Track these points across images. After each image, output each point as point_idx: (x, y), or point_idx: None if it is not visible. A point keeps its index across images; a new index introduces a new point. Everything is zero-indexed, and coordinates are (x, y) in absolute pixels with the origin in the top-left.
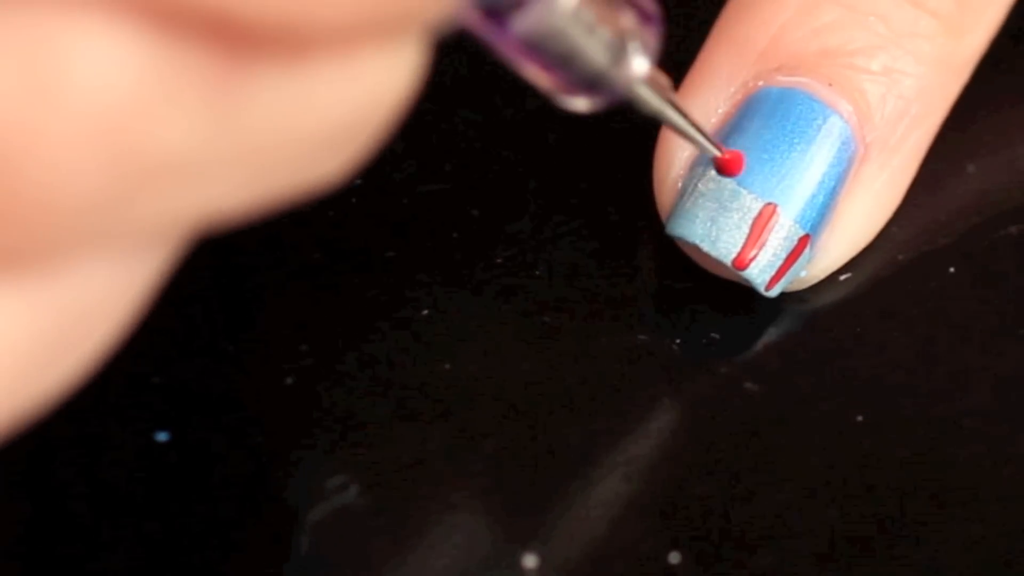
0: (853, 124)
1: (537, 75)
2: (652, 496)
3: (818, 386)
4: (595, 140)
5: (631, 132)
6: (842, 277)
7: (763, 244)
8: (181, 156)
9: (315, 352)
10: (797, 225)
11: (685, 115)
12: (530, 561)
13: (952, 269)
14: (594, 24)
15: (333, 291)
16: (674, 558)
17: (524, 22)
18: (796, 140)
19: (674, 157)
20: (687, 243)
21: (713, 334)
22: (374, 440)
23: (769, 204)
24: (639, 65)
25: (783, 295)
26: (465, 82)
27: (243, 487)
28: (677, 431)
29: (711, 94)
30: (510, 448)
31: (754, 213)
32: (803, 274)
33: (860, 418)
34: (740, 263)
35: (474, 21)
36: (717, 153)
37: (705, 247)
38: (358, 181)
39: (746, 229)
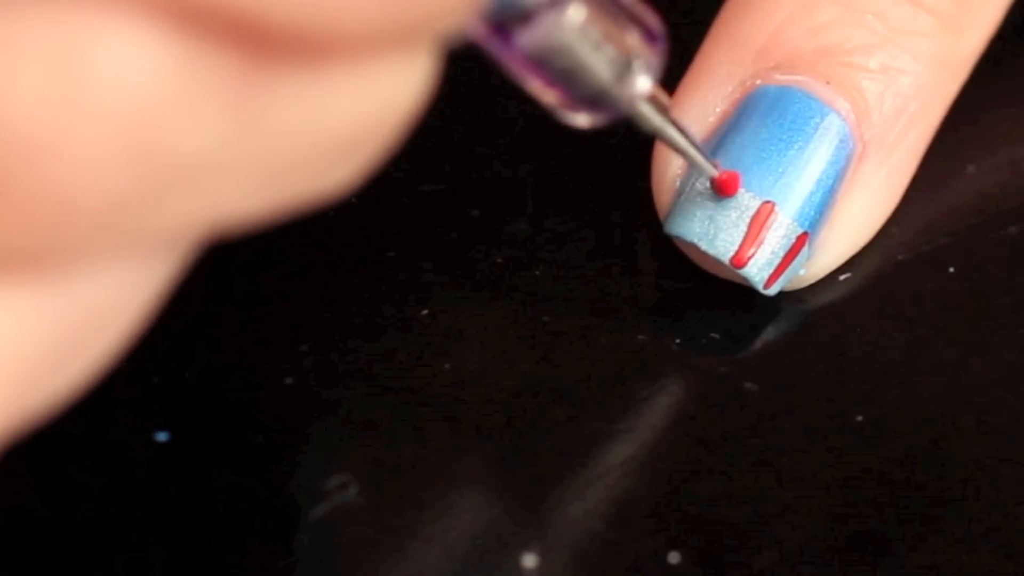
0: (851, 122)
1: (541, 90)
2: (651, 496)
3: (817, 386)
4: (594, 140)
5: (630, 132)
6: (841, 277)
7: (761, 242)
8: (200, 158)
9: (315, 352)
10: (795, 223)
11: (685, 134)
12: (530, 561)
13: (952, 269)
14: (600, 41)
15: (333, 291)
16: (673, 558)
17: (531, 37)
18: (794, 138)
19: (672, 157)
20: (685, 242)
21: (712, 334)
22: (374, 440)
23: (767, 202)
24: (642, 83)
25: (782, 295)
26: (465, 82)
27: (243, 487)
28: (677, 431)
29: (709, 93)
30: (510, 448)
31: (752, 211)
32: (802, 272)
33: (859, 418)
34: (738, 261)
35: (481, 34)
36: (714, 172)
37: (703, 246)
38: None
39: (744, 227)
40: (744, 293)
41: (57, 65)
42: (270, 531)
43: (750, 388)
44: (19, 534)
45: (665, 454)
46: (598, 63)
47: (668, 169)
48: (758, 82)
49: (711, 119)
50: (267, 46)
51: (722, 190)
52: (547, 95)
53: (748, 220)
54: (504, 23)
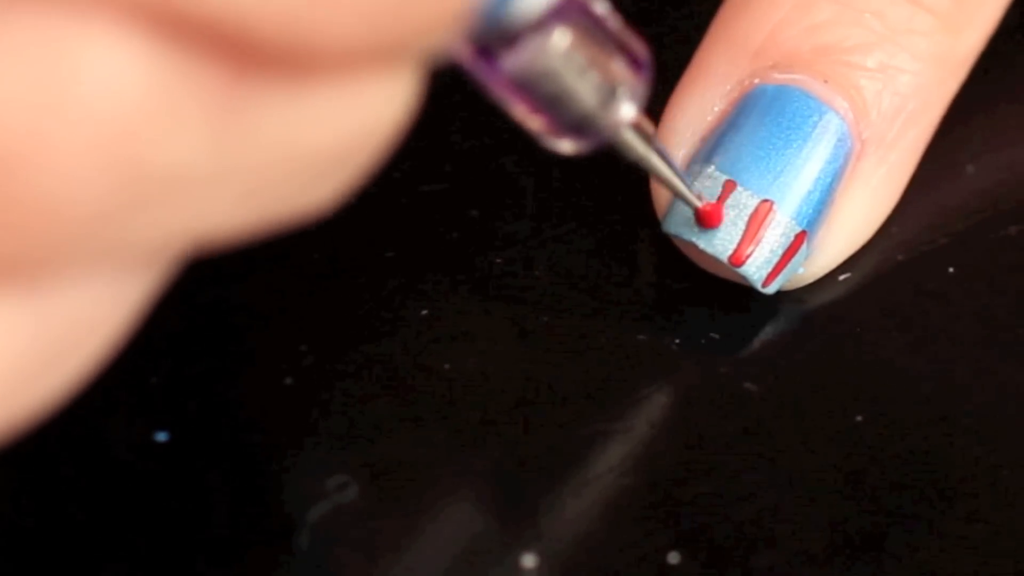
0: (849, 121)
1: (525, 115)
2: (651, 496)
3: (817, 386)
4: None
5: None
6: (841, 277)
7: (759, 241)
8: (182, 170)
9: (315, 352)
10: (793, 222)
11: (669, 163)
12: (529, 561)
13: (952, 269)
14: (585, 67)
15: (333, 291)
16: (673, 558)
17: (516, 61)
18: (792, 137)
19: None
20: (684, 241)
21: (712, 334)
22: (374, 440)
23: (765, 201)
24: (627, 111)
25: (782, 295)
26: (465, 82)
27: (243, 487)
28: (676, 431)
29: (708, 92)
30: (509, 448)
31: (750, 210)
32: (801, 271)
33: (859, 418)
34: (737, 260)
35: (466, 56)
36: (698, 204)
37: (702, 244)
38: None
39: (742, 226)
40: (744, 293)
41: (40, 73)
42: (270, 531)
43: (750, 388)
44: (18, 535)
45: (664, 454)
46: (583, 89)
47: None
48: (756, 81)
49: (709, 118)
50: (252, 60)
51: (705, 221)
52: (531, 120)
53: (746, 219)
54: (489, 46)
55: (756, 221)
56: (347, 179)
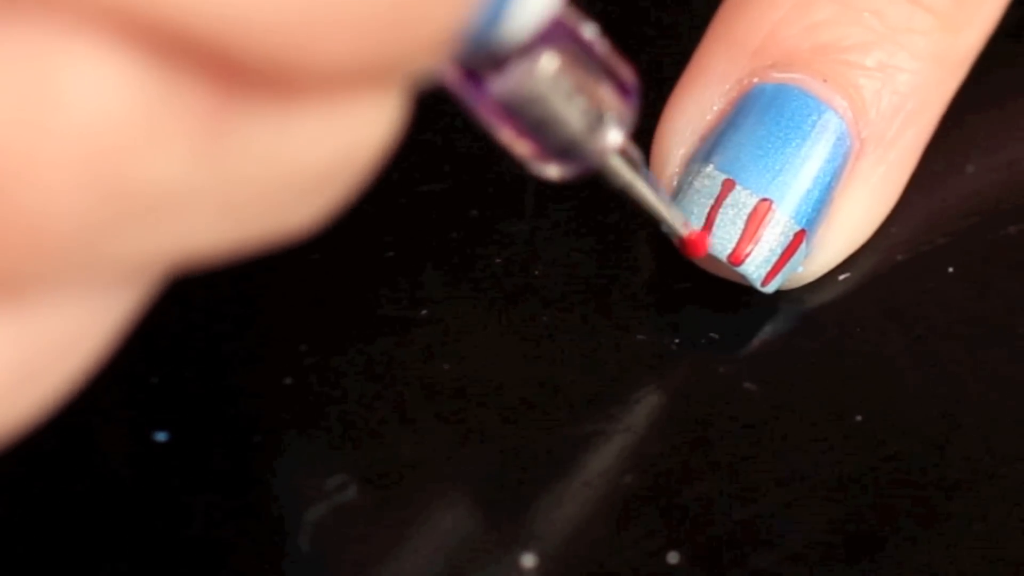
0: (848, 120)
1: (512, 140)
2: (650, 495)
3: (816, 386)
4: None
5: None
6: (841, 277)
7: (759, 239)
8: (166, 187)
9: (315, 352)
10: (792, 220)
11: (655, 191)
12: (529, 560)
13: (951, 269)
14: (572, 92)
15: (333, 291)
16: (672, 558)
17: (503, 85)
18: (791, 136)
19: (670, 154)
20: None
21: (712, 334)
22: (373, 439)
23: (764, 200)
24: (613, 137)
25: (782, 295)
26: None
27: (242, 487)
28: (676, 430)
29: (707, 92)
30: (509, 448)
31: (749, 209)
32: (800, 270)
33: (859, 417)
34: (736, 258)
35: (453, 80)
36: (683, 232)
37: None
38: None
39: (741, 225)
40: (743, 293)
41: (24, 88)
42: (270, 531)
43: (749, 388)
44: (17, 534)
45: (664, 453)
46: (570, 114)
47: (666, 168)
48: (755, 80)
49: (708, 117)
50: (238, 80)
51: (690, 250)
52: (518, 145)
53: (745, 217)
54: (477, 69)
55: (755, 220)
56: (332, 199)
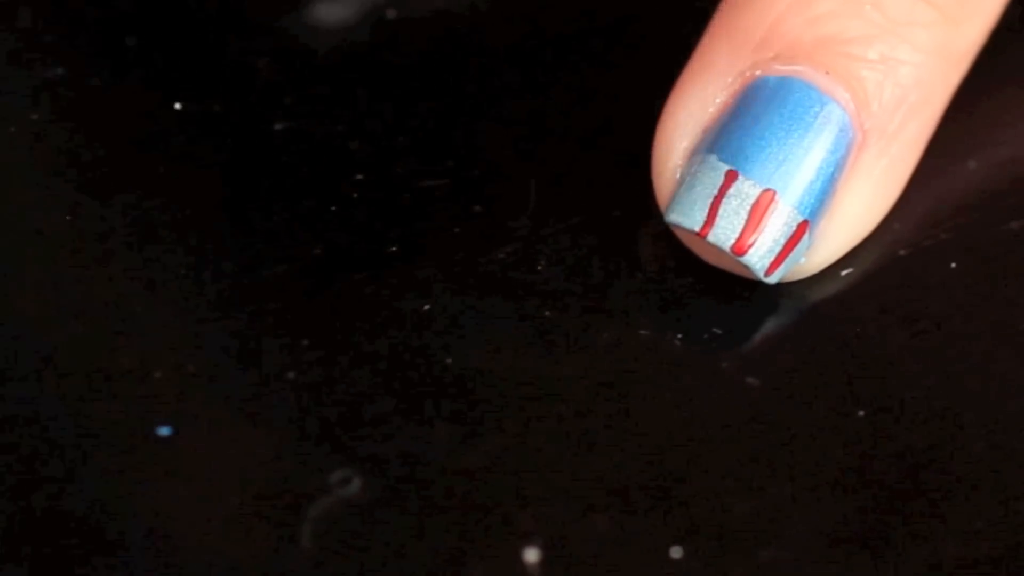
0: (851, 111)
1: None
2: (654, 490)
3: (819, 381)
4: (595, 135)
5: (630, 127)
6: (843, 272)
7: (762, 229)
8: None
9: (316, 348)
10: (796, 211)
11: None
12: (532, 555)
13: (953, 264)
14: None
15: (334, 287)
16: (676, 552)
17: None
18: (794, 127)
19: (673, 147)
20: (686, 231)
21: (715, 329)
22: (376, 434)
23: (767, 190)
24: None
25: (784, 290)
26: (465, 80)
27: (244, 482)
28: (678, 425)
29: (709, 84)
30: (512, 443)
31: (752, 199)
32: (803, 261)
33: (861, 413)
34: (739, 249)
35: None
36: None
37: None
38: (359, 176)
39: (744, 215)
40: (746, 288)
41: None
42: (272, 526)
43: (752, 383)
44: (18, 531)
45: (667, 448)
46: None
47: (669, 158)
48: (758, 72)
49: (711, 110)
50: None
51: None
52: None
53: (749, 208)
54: None
55: (758, 210)
56: None
